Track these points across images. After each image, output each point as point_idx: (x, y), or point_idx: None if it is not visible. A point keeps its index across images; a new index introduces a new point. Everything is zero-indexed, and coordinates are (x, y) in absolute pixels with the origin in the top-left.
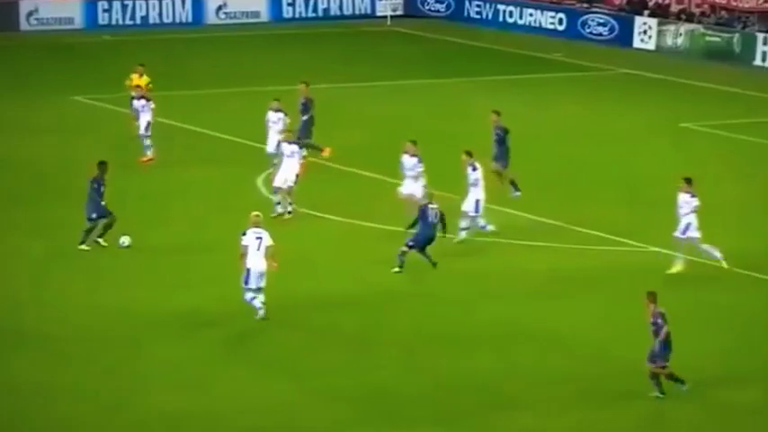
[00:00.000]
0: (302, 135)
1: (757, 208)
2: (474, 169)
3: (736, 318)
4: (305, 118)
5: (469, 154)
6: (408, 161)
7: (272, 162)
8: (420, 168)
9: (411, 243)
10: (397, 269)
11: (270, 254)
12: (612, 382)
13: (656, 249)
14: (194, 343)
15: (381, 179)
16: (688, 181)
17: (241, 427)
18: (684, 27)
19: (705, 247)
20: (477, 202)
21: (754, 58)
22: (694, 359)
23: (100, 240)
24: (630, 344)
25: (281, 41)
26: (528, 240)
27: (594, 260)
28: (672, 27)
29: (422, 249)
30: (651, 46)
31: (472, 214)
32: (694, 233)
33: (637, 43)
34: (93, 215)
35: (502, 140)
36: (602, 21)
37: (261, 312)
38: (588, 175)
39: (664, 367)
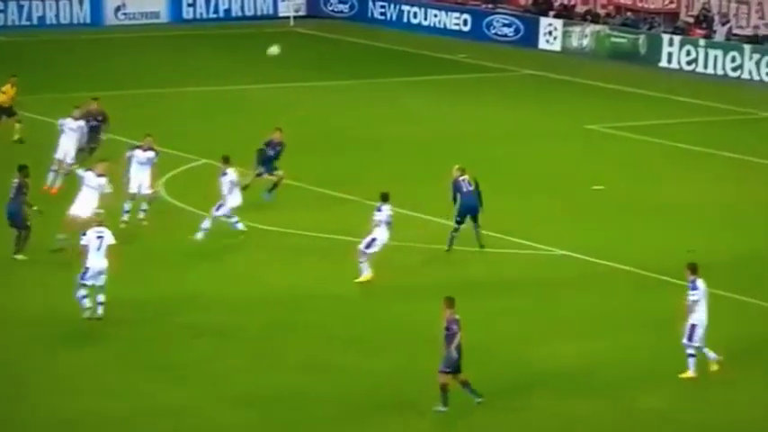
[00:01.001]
0: (88, 144)
1: (663, 210)
2: (224, 174)
3: (646, 320)
4: (102, 136)
5: (226, 160)
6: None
7: (51, 167)
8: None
9: (457, 219)
10: (447, 247)
11: (111, 253)
12: (520, 386)
13: (563, 252)
14: (100, 348)
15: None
16: (384, 197)
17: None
18: (590, 28)
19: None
20: (231, 208)
21: (659, 60)
22: (606, 361)
23: (18, 257)
24: (536, 346)
25: (181, 43)
26: (435, 244)
27: (499, 263)
28: (577, 28)
29: (462, 220)
30: (557, 47)
31: (215, 214)
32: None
33: (542, 44)
34: (7, 219)
35: (278, 154)
36: (506, 21)
37: (99, 311)
38: (493, 178)
39: (455, 375)
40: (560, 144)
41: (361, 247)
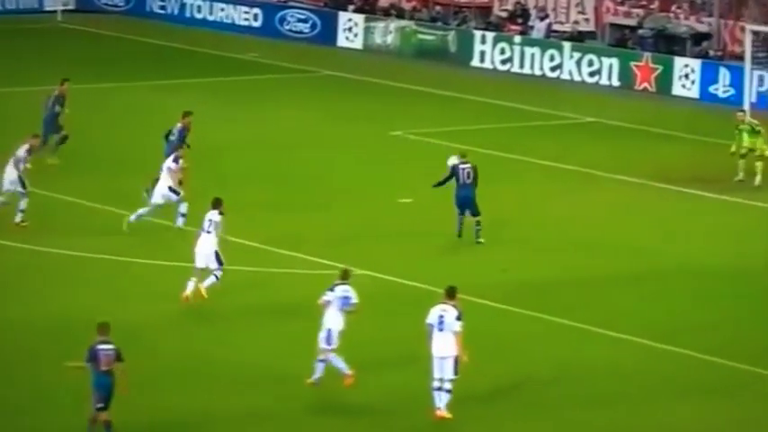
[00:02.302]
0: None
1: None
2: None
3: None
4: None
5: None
6: None
7: None
8: None
9: (458, 211)
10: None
11: None
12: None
13: (365, 272)
14: None
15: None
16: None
17: None
18: (394, 24)
19: None
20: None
21: (471, 59)
22: (409, 395)
23: None
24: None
25: None
26: (232, 265)
27: (294, 284)
28: (380, 24)
29: (461, 211)
30: (358, 45)
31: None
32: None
33: (342, 42)
34: None
35: (181, 140)
36: (302, 16)
37: None
38: (288, 190)
39: (102, 409)
40: (363, 152)
41: None
